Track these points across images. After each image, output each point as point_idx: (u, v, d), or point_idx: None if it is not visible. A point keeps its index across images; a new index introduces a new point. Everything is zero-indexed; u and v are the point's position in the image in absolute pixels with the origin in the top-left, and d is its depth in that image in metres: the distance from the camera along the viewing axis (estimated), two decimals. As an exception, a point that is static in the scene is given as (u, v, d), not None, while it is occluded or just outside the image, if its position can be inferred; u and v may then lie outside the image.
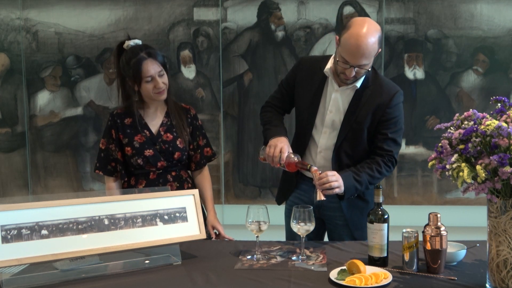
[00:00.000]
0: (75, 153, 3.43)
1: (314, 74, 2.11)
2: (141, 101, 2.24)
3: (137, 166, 2.23)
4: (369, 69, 1.98)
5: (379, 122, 2.03)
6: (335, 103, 2.07)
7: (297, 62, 2.24)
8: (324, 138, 2.10)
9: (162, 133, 2.25)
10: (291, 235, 2.20)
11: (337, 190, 1.89)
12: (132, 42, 2.20)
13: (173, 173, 2.27)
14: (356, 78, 1.98)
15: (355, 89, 2.04)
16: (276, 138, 2.03)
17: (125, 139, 2.22)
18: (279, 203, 2.34)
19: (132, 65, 2.13)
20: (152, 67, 2.13)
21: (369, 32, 1.87)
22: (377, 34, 1.90)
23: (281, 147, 1.99)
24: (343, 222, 2.15)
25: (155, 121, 2.26)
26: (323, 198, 1.89)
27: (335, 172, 1.92)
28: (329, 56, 2.10)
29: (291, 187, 2.23)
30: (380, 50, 1.96)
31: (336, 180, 1.88)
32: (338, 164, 2.08)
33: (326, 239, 2.27)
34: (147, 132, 2.23)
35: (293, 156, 1.99)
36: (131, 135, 2.22)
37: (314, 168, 1.92)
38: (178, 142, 2.25)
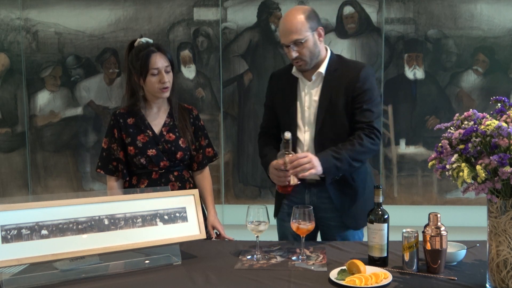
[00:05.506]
0: (75, 153, 3.43)
1: (285, 80, 2.19)
2: (145, 100, 2.25)
3: (140, 165, 2.23)
4: (303, 41, 2.00)
5: (353, 98, 2.06)
6: (309, 97, 2.13)
7: (269, 78, 2.32)
8: (308, 135, 2.13)
9: (165, 133, 2.25)
10: (283, 238, 2.24)
11: (312, 171, 1.89)
12: (143, 40, 2.23)
13: (176, 173, 2.27)
14: (305, 60, 2.04)
15: (322, 76, 2.10)
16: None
17: (128, 138, 2.23)
18: (276, 215, 2.30)
19: (140, 57, 2.16)
20: (160, 61, 2.16)
21: (292, 12, 2.04)
22: (302, 11, 2.03)
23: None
24: (336, 223, 2.15)
25: (157, 121, 2.27)
26: (297, 181, 1.93)
27: (306, 153, 1.93)
28: None
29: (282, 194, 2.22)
30: (319, 28, 2.06)
31: (308, 162, 1.89)
32: (321, 150, 2.07)
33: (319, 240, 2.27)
34: (150, 132, 2.24)
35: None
36: (134, 135, 2.23)
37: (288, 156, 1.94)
38: (180, 142, 2.26)
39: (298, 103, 2.15)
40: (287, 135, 1.97)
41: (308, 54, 2.04)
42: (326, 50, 2.14)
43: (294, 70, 2.14)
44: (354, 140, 2.00)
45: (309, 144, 2.13)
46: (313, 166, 1.89)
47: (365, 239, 1.86)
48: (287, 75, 2.17)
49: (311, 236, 2.19)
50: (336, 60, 2.12)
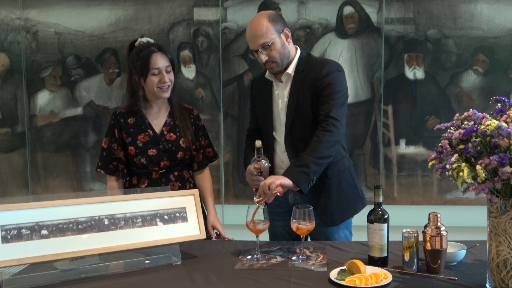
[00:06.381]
0: (75, 153, 3.43)
1: (263, 85, 2.23)
2: (145, 99, 2.25)
3: (140, 165, 2.23)
4: (270, 44, 2.02)
5: (317, 95, 2.07)
6: (282, 99, 2.16)
7: (250, 84, 2.36)
8: (282, 136, 2.15)
9: (165, 132, 2.25)
10: (274, 237, 2.25)
11: (279, 185, 1.89)
12: (144, 39, 2.24)
13: (176, 173, 2.27)
14: (276, 62, 2.06)
15: (291, 77, 2.12)
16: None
17: (128, 138, 2.23)
18: None
19: (141, 57, 2.17)
20: (160, 61, 2.17)
21: (256, 17, 2.06)
22: (266, 15, 2.05)
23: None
24: (318, 221, 2.14)
25: (158, 121, 2.27)
26: (279, 192, 1.91)
27: (267, 179, 1.94)
28: None
29: None
30: (286, 30, 2.08)
31: (270, 182, 1.89)
32: (293, 149, 2.11)
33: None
34: (151, 132, 2.24)
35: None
36: (134, 134, 2.23)
37: (255, 200, 1.92)
38: (181, 142, 2.26)
39: (273, 106, 2.19)
40: (258, 143, 2.01)
41: (278, 56, 2.06)
42: (296, 50, 2.16)
43: (267, 74, 2.18)
44: (312, 141, 2.01)
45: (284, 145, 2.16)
46: (276, 179, 1.90)
47: (364, 239, 1.86)
48: (264, 80, 2.21)
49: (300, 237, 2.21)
50: (305, 60, 2.14)
